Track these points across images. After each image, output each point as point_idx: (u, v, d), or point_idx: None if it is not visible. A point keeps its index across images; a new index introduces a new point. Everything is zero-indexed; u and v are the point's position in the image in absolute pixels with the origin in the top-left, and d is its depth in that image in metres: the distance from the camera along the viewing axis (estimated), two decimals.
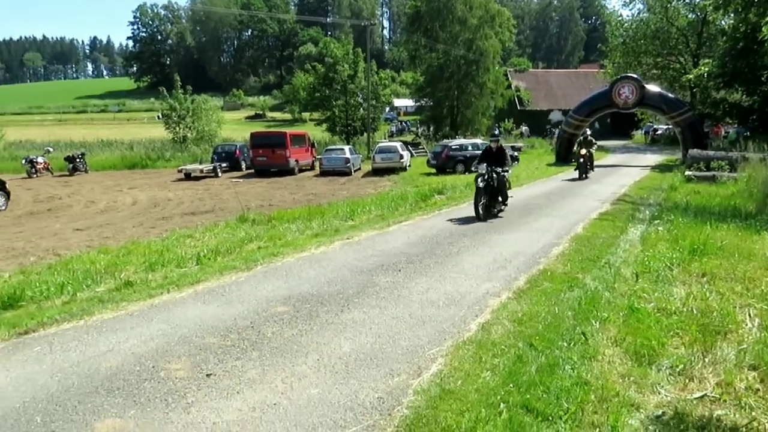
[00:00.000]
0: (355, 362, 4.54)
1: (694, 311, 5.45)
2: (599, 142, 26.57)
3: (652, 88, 29.78)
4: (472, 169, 12.52)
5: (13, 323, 5.57)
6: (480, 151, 27.13)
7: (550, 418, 3.56)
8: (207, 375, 4.32)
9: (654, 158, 31.29)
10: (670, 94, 31.19)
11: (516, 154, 29.19)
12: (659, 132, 45.31)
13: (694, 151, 22.53)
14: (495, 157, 12.20)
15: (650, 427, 3.48)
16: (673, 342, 4.82)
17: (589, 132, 22.68)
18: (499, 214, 12.02)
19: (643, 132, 48.75)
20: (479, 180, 11.55)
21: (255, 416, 3.69)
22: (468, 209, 12.84)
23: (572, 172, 21.77)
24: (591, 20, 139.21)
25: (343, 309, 5.91)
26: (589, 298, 5.94)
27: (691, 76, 30.92)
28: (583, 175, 20.41)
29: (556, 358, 4.44)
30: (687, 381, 4.12)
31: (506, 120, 47.19)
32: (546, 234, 10.01)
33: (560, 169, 25.22)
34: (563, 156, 29.62)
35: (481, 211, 11.50)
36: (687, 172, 19.50)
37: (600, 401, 3.77)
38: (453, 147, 27.55)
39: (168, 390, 4.09)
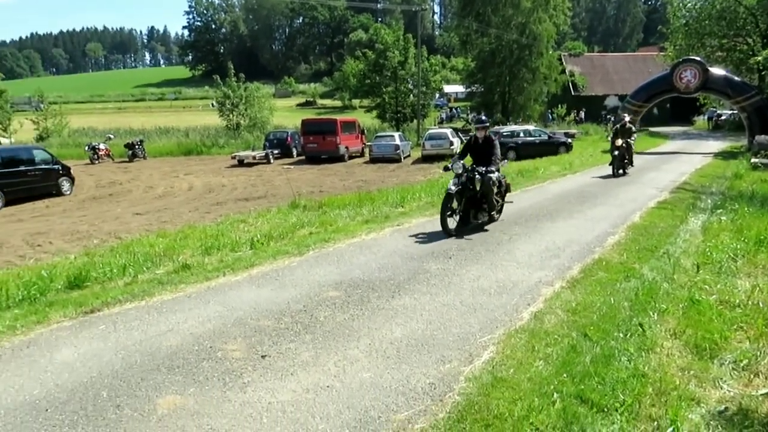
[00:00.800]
0: (407, 348, 4.56)
1: (760, 304, 5.23)
2: (657, 129, 25.59)
3: (717, 71, 28.52)
4: (448, 166, 9.17)
5: (79, 302, 5.83)
6: (532, 138, 27.08)
7: (606, 409, 3.49)
8: (262, 356, 4.43)
9: (717, 145, 30.02)
10: (735, 78, 29.77)
11: (569, 141, 28.53)
12: (723, 117, 43.35)
13: (761, 138, 21.50)
14: (480, 151, 9.38)
15: (712, 422, 3.37)
16: (737, 336, 4.64)
17: (627, 118, 18.53)
18: (485, 227, 9.33)
19: (705, 117, 46.75)
20: (452, 183, 8.92)
21: (309, 398, 3.76)
22: (520, 196, 12.65)
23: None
24: (651, 1, 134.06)
25: (394, 295, 5.93)
26: (646, 289, 5.78)
27: (759, 59, 29.35)
28: (618, 171, 16.79)
29: (612, 349, 4.34)
30: (752, 376, 3.96)
31: (559, 106, 46.02)
32: (601, 222, 9.76)
33: None
34: None
35: (450, 225, 8.86)
36: (753, 160, 18.64)
37: (658, 394, 3.67)
38: (504, 134, 27.14)
39: (225, 370, 4.21)
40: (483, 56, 42.47)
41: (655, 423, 3.35)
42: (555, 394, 3.66)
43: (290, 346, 4.63)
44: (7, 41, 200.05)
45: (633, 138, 17.60)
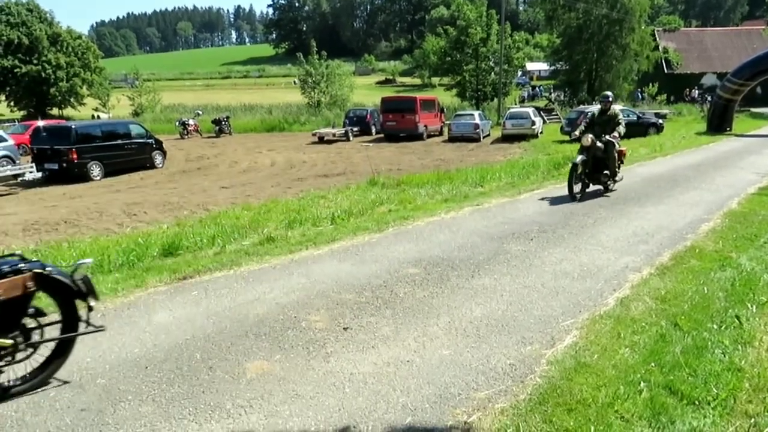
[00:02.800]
0: (487, 327, 4.54)
1: None
2: (760, 109, 23.56)
3: None
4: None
5: (173, 269, 6.18)
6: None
7: (697, 402, 3.35)
8: (344, 328, 4.55)
9: None
10: None
11: (660, 122, 27.07)
12: None
13: None
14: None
15: None
16: None
17: (611, 98, 11.05)
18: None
19: None
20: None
21: (389, 371, 3.83)
22: None
23: (726, 142, 19.55)
24: None
25: (474, 274, 5.90)
26: (744, 280, 5.46)
27: None
28: (576, 193, 10.05)
29: (705, 340, 4.14)
30: None
31: (650, 84, 43.63)
32: (694, 208, 9.25)
33: (712, 139, 23.07)
34: (716, 125, 27.01)
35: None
36: None
37: (755, 390, 3.48)
38: (588, 114, 26.02)
39: (309, 339, 4.35)
40: (569, 32, 40.84)
41: (752, 420, 3.18)
42: (642, 383, 3.54)
43: (371, 320, 4.72)
44: (106, 21, 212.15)
45: (617, 133, 10.42)
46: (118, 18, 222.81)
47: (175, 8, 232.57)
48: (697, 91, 45.78)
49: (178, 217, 10.83)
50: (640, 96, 44.85)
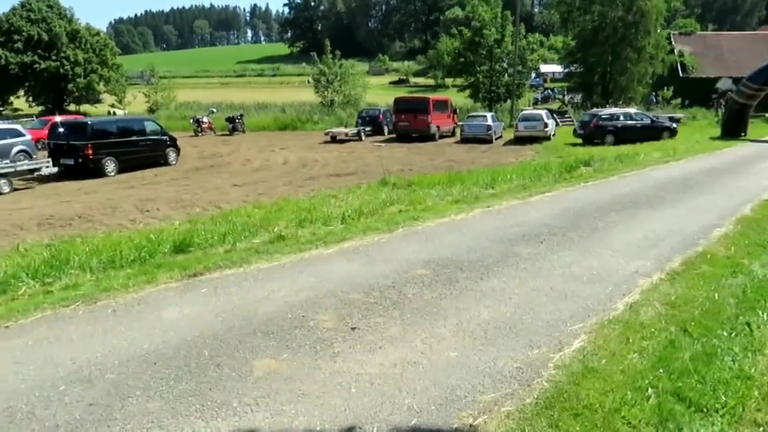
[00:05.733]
0: (494, 330, 4.54)
1: None
2: None
3: None
4: None
5: (184, 266, 6.23)
6: (633, 122, 25.70)
7: (705, 409, 3.33)
8: (352, 328, 4.56)
9: None
10: None
11: (674, 126, 26.83)
12: None
13: None
14: None
15: None
16: None
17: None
18: None
19: None
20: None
21: (396, 372, 3.84)
22: (617, 182, 12.11)
23: (741, 147, 19.39)
24: None
25: (483, 277, 5.90)
26: (755, 286, 5.42)
27: None
28: None
29: (714, 347, 4.12)
30: None
31: (665, 88, 43.23)
32: (707, 213, 9.17)
33: (726, 144, 22.87)
34: (731, 129, 26.73)
35: None
36: None
37: (765, 398, 3.46)
38: (603, 116, 25.90)
39: (317, 339, 4.37)
40: (584, 34, 40.51)
41: (761, 429, 3.17)
42: (650, 389, 3.53)
43: (379, 320, 4.73)
44: (124, 18, 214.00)
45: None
46: (136, 15, 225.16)
47: (192, 6, 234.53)
48: (713, 96, 45.27)
49: (190, 214, 10.91)
50: (654, 99, 44.46)
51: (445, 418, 3.30)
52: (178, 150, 21.00)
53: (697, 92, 45.47)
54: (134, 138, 19.06)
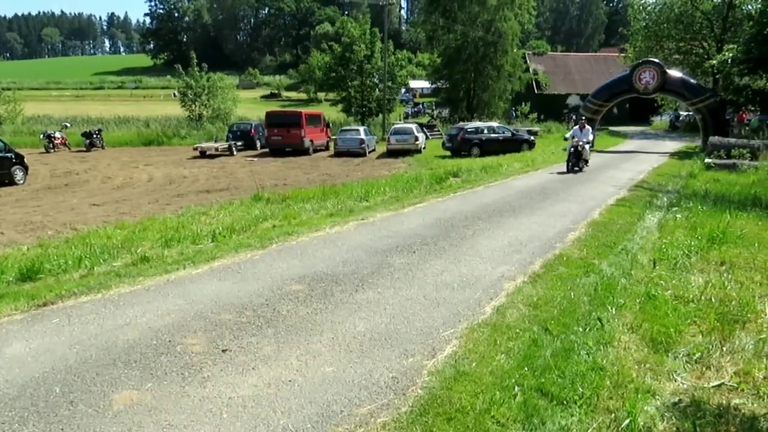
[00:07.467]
0: (370, 342, 4.55)
1: (713, 300, 5.40)
2: (617, 128, 26.07)
3: (674, 73, 29.34)
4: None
5: (32, 295, 5.63)
6: (496, 135, 27.37)
7: (565, 402, 3.55)
8: (223, 350, 4.36)
9: (673, 145, 30.86)
10: (692, 80, 30.67)
11: (532, 138, 28.91)
12: (681, 119, 44.59)
13: (714, 139, 22.19)
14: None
15: (666, 414, 3.46)
16: (691, 330, 4.77)
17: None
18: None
19: (667, 118, 47.97)
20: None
21: (270, 392, 3.71)
22: (484, 192, 12.77)
23: (591, 157, 21.27)
24: (613, 3, 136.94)
25: (358, 289, 5.91)
26: (605, 284, 5.90)
27: (714, 62, 30.23)
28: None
29: (572, 343, 4.42)
30: (704, 369, 4.08)
31: (523, 103, 46.60)
32: (562, 219, 9.93)
33: None
34: None
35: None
36: (707, 160, 19.23)
37: (615, 387, 3.75)
38: (469, 130, 27.30)
39: (184, 364, 4.12)
40: (449, 52, 42.55)
41: (612, 415, 3.42)
42: (516, 388, 3.70)
43: (252, 340, 4.57)
44: None
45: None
46: None
47: (39, 12, 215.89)
48: (564, 111, 49.47)
49: (40, 237, 9.92)
50: (514, 114, 47.68)
51: None
52: (26, 168, 19.11)
53: (550, 107, 49.54)
54: None
